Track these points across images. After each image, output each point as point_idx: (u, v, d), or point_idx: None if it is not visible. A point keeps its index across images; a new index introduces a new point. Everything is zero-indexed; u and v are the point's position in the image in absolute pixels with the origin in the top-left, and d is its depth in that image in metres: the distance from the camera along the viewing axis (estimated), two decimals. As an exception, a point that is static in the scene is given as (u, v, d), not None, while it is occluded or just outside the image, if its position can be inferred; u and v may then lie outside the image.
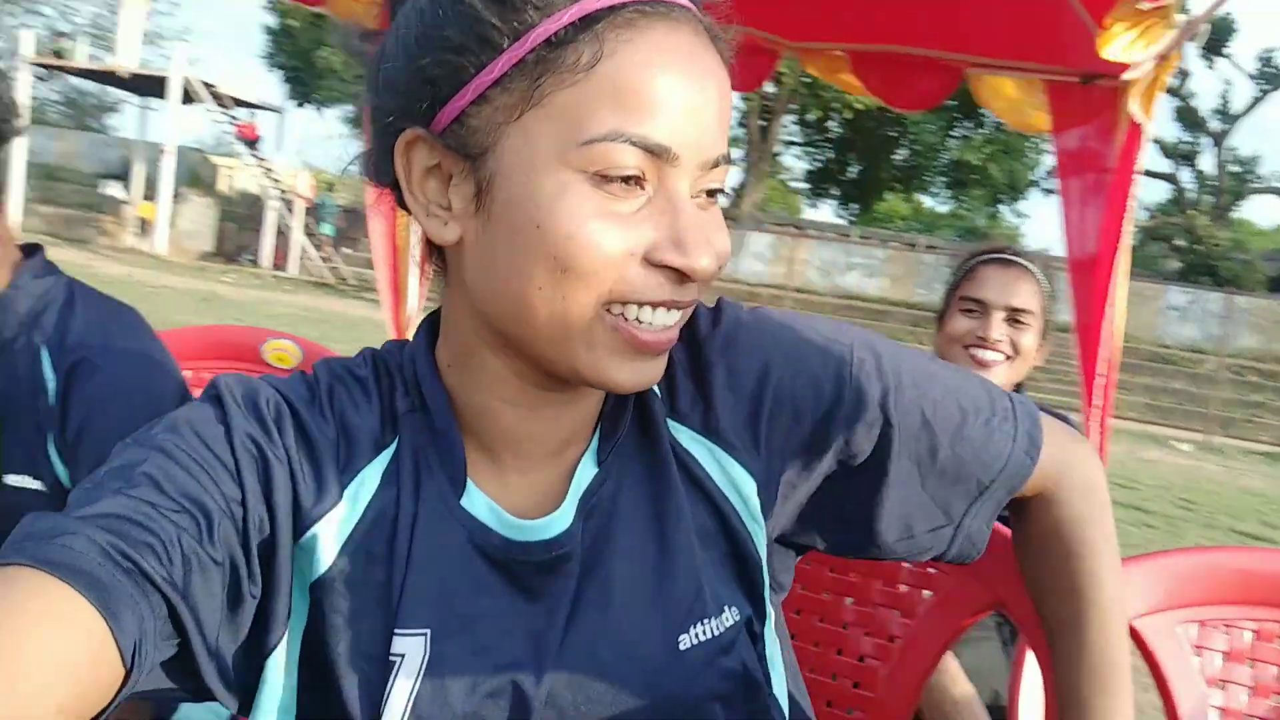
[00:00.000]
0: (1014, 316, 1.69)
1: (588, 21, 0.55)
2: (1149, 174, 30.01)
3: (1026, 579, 0.84)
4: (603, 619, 0.65)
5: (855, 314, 17.93)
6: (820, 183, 28.74)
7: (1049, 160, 24.24)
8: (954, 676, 1.40)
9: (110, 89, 25.68)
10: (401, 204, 0.64)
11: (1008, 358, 1.67)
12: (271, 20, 27.96)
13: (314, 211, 21.06)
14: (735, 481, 0.70)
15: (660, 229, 0.58)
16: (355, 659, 0.61)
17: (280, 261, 20.52)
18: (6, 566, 0.50)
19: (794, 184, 31.60)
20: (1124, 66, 2.48)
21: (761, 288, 18.50)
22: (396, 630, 0.61)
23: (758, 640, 0.70)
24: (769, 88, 22.97)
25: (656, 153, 0.56)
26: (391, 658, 0.61)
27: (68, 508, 0.55)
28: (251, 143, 21.36)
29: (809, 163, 28.72)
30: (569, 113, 0.55)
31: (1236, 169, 30.39)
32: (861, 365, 0.71)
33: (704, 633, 0.66)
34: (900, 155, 26.54)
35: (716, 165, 0.60)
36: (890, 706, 1.05)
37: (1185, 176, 30.59)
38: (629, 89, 0.55)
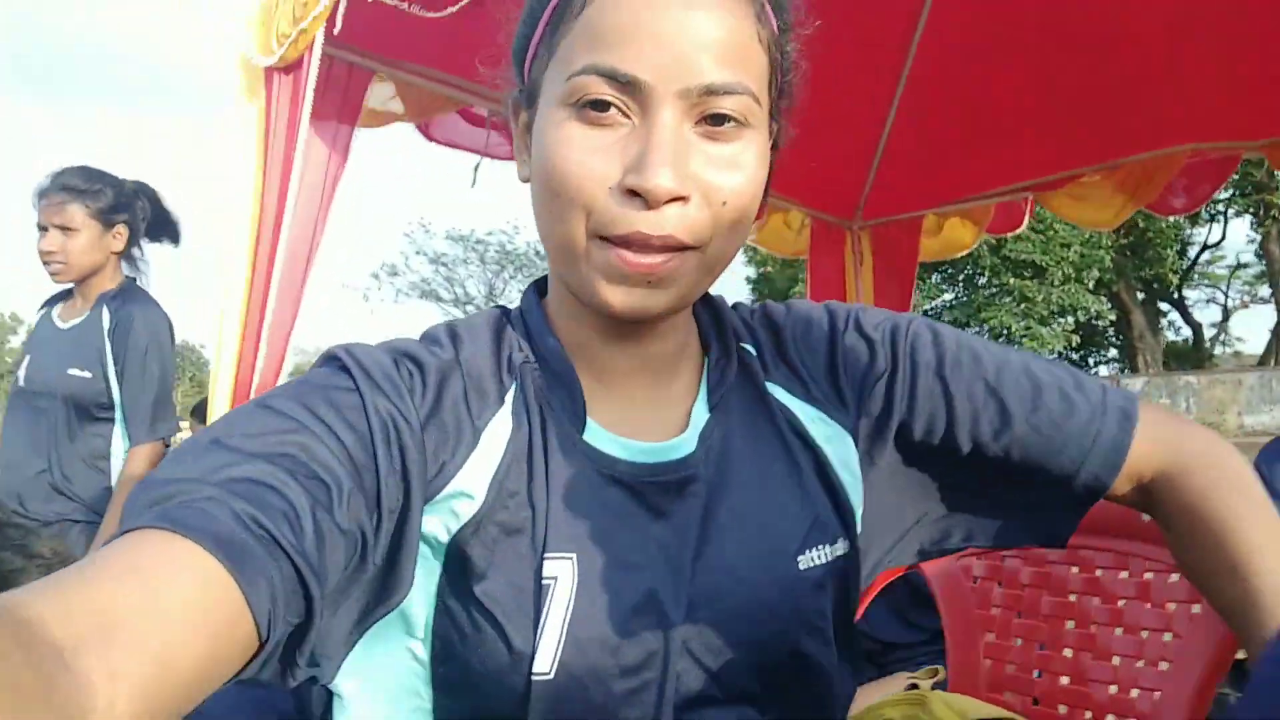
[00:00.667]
0: None
1: None
2: None
3: (1186, 573, 0.73)
4: (729, 537, 0.68)
5: None
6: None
7: None
8: None
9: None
10: None
11: None
12: (750, 271, 30.94)
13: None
14: (832, 436, 0.74)
15: (631, 155, 0.61)
16: (509, 590, 0.63)
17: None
18: (143, 530, 0.48)
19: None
20: None
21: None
22: (547, 554, 0.64)
23: (855, 578, 0.73)
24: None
25: (625, 81, 0.60)
26: (545, 581, 0.63)
27: (199, 469, 0.53)
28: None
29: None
30: (565, 56, 0.62)
31: None
32: (917, 336, 0.75)
33: (820, 556, 0.70)
34: None
35: (712, 93, 0.61)
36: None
37: None
38: (601, 26, 0.60)
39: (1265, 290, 23.83)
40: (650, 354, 0.71)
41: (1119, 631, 0.98)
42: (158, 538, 0.47)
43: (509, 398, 0.68)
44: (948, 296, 21.40)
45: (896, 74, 3.04)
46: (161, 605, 0.44)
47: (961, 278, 21.05)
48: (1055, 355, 20.67)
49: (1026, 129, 2.95)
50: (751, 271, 29.73)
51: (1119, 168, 2.96)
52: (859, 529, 0.73)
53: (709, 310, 0.77)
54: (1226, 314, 26.29)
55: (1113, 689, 0.97)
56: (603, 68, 0.60)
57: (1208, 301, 27.59)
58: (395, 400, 0.63)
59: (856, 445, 0.74)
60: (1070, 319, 19.96)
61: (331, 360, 0.65)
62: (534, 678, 0.62)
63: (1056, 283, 18.85)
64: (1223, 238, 24.55)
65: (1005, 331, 19.85)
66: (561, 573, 0.64)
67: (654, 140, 0.60)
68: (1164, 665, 0.93)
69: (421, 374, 0.66)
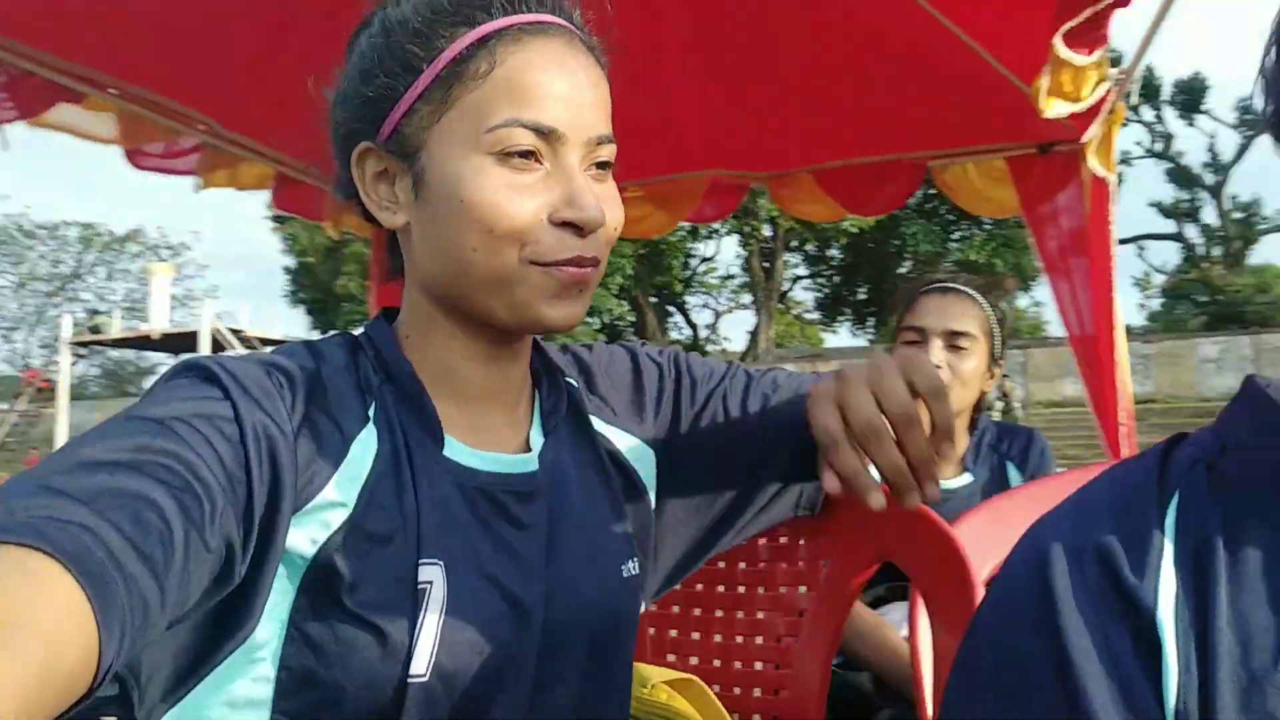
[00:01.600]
0: (952, 341, 1.72)
1: (483, 41, 0.71)
2: (1155, 237, 30.22)
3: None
4: (571, 547, 0.78)
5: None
6: (832, 309, 29.18)
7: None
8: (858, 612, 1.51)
9: (146, 353, 27.03)
10: (366, 215, 0.78)
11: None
12: (290, 261, 29.56)
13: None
14: (641, 455, 0.89)
15: (557, 193, 0.72)
16: (384, 596, 0.67)
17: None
18: (17, 548, 0.46)
19: (809, 315, 32.08)
20: (1079, 130, 2.57)
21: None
22: (421, 560, 0.69)
23: (643, 590, 0.87)
24: (766, 230, 23.75)
25: (545, 132, 0.71)
26: (420, 585, 0.68)
27: (74, 483, 0.52)
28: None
29: (818, 291, 29.28)
30: (475, 110, 0.71)
31: (1239, 215, 30.52)
32: (690, 358, 0.95)
33: (633, 568, 0.83)
34: (905, 268, 27.02)
35: (601, 143, 0.74)
36: (806, 675, 1.08)
37: (1192, 233, 30.73)
38: (518, 86, 0.71)
39: (747, 298, 28.13)
40: (508, 376, 0.80)
41: (761, 590, 1.15)
42: (31, 559, 0.46)
43: (371, 414, 0.73)
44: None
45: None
46: (30, 620, 0.44)
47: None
48: (584, 353, 22.47)
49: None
50: (291, 261, 28.20)
51: (650, 185, 3.27)
52: (651, 549, 0.89)
53: (535, 347, 0.86)
54: (717, 317, 30.60)
55: (759, 639, 1.13)
56: (526, 121, 0.70)
57: (703, 306, 31.83)
58: (269, 409, 0.65)
59: (657, 458, 0.90)
60: (597, 320, 21.88)
61: (197, 370, 0.66)
62: (410, 681, 0.66)
63: (585, 287, 20.53)
64: (717, 252, 28.66)
65: (539, 330, 21.11)
66: (434, 578, 0.69)
67: (578, 182, 0.72)
68: (800, 615, 1.11)
69: (291, 384, 0.69)
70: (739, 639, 1.15)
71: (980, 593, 0.95)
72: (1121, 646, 0.53)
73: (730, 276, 29.00)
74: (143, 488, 0.54)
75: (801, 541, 1.14)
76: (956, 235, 25.82)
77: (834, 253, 26.67)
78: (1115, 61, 2.27)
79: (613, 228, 0.75)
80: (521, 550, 0.75)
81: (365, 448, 0.71)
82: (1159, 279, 30.55)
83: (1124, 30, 2.03)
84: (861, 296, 27.82)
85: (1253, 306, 24.03)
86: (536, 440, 0.82)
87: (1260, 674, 0.50)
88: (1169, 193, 31.02)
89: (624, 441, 0.88)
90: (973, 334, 1.73)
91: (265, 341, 23.51)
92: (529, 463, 0.79)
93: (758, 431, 0.91)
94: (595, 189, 0.73)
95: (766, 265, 24.52)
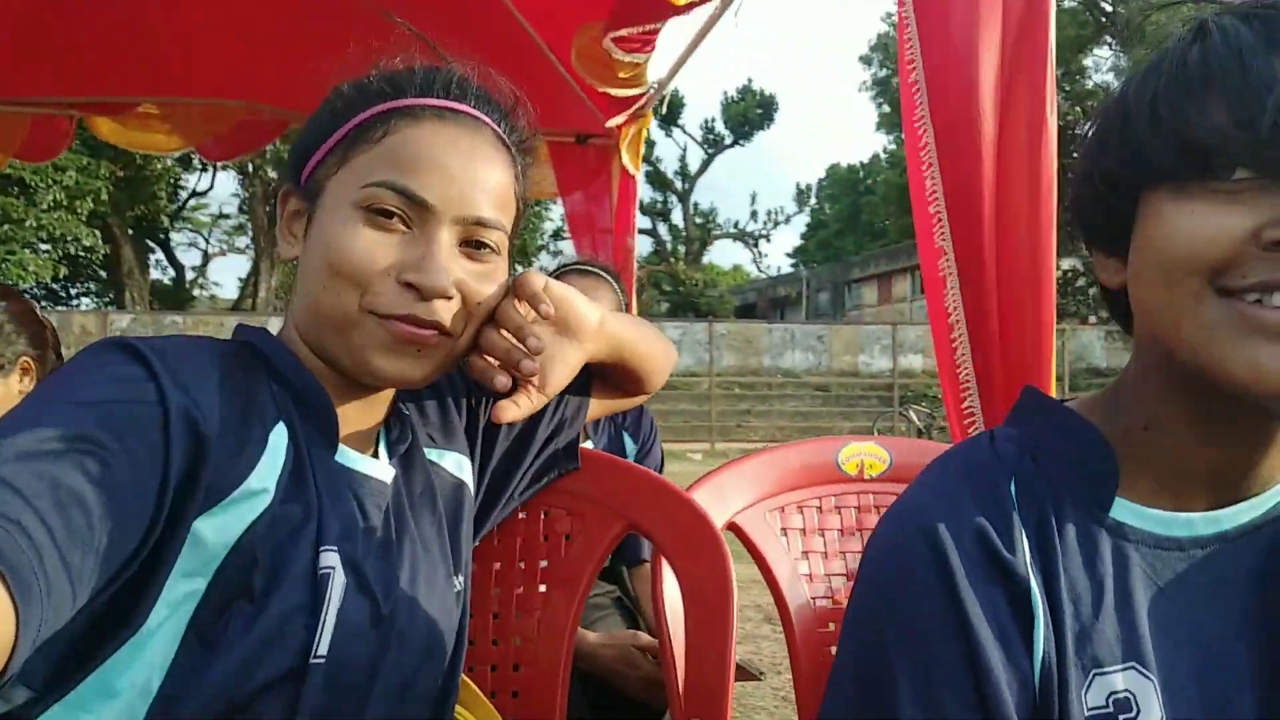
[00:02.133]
0: None
1: (386, 114, 0.80)
2: (639, 232, 34.16)
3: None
4: (413, 558, 0.86)
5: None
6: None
7: (551, 225, 26.39)
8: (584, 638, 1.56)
9: None
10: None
11: None
12: None
13: None
14: (462, 464, 0.99)
15: (410, 256, 0.78)
16: (296, 581, 0.72)
17: None
18: None
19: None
20: (613, 129, 2.86)
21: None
22: (323, 548, 0.74)
23: (468, 602, 0.97)
24: (272, 172, 22.19)
25: (416, 200, 0.77)
26: (323, 571, 0.73)
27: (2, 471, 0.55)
28: None
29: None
30: (361, 169, 0.79)
31: (700, 221, 35.74)
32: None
33: (458, 583, 0.92)
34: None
35: (479, 224, 0.80)
36: (548, 649, 1.11)
37: (663, 230, 35.26)
38: (402, 155, 0.78)
39: (242, 241, 26.08)
40: (366, 413, 0.87)
41: (498, 566, 1.15)
42: None
43: (280, 416, 0.77)
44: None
45: None
46: None
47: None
48: (39, 285, 19.06)
49: (84, 43, 2.72)
50: None
51: (176, 105, 3.01)
52: (472, 541, 1.00)
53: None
54: (206, 258, 27.96)
55: (519, 590, 1.14)
56: (398, 185, 0.77)
57: (189, 245, 28.88)
58: (194, 395, 0.68)
59: (471, 460, 1.01)
60: (59, 248, 18.61)
61: (126, 349, 0.68)
62: (311, 663, 0.71)
63: (46, 208, 17.32)
64: (211, 187, 26.09)
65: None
66: (335, 564, 0.74)
67: (432, 250, 0.78)
68: (541, 588, 1.13)
69: (219, 372, 0.73)
70: (473, 615, 1.13)
71: (727, 550, 1.07)
72: (1002, 610, 0.66)
73: (225, 216, 26.68)
74: (74, 483, 0.57)
75: (544, 514, 1.16)
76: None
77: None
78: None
79: (476, 302, 0.82)
80: (385, 555, 0.83)
81: (279, 439, 0.75)
82: (635, 269, 34.59)
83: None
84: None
85: (704, 298, 28.34)
86: (383, 458, 0.89)
87: (1087, 624, 0.67)
88: (648, 193, 35.26)
89: (445, 459, 0.98)
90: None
91: None
92: (386, 472, 0.87)
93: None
94: (463, 264, 0.81)
95: (271, 209, 22.95)
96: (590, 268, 1.97)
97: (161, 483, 0.63)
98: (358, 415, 0.86)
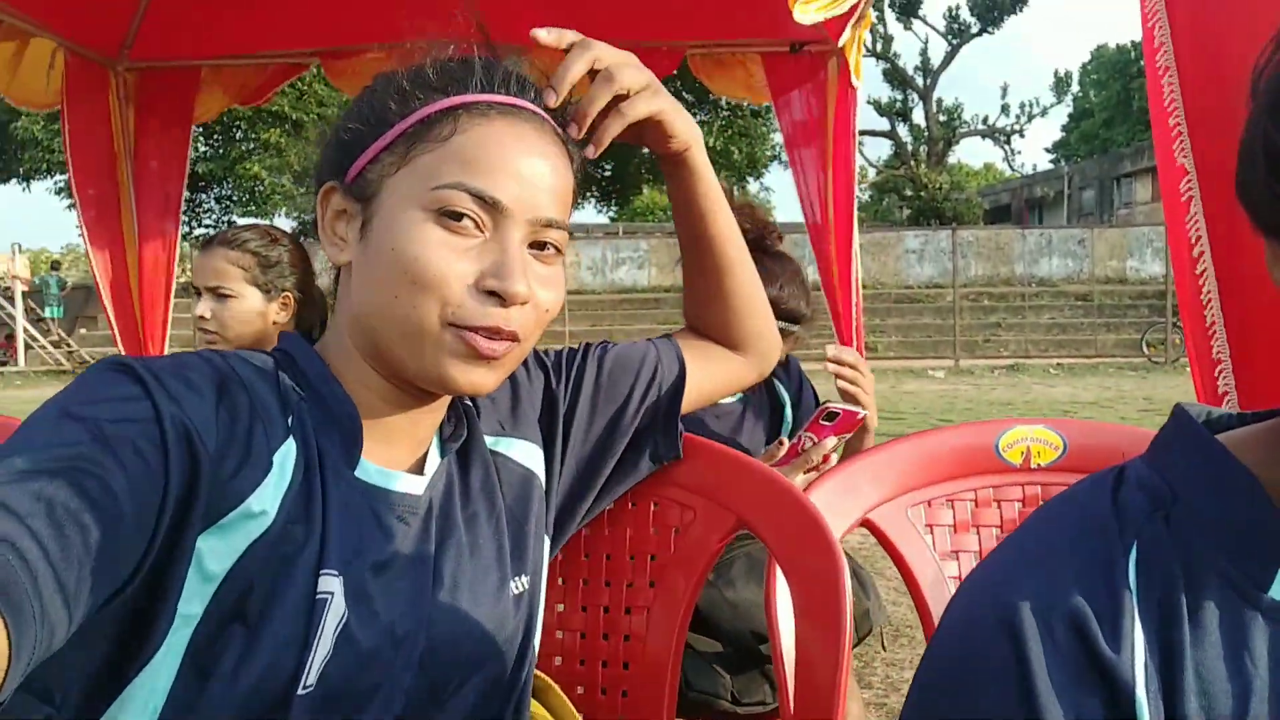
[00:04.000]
0: None
1: (452, 109, 0.76)
2: (871, 133, 32.56)
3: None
4: (456, 569, 0.82)
5: (631, 305, 18.31)
6: (580, 187, 29.17)
7: (779, 135, 25.73)
8: None
9: None
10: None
11: None
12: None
13: (36, 295, 19.00)
14: (530, 454, 0.93)
15: (488, 263, 0.74)
16: (290, 607, 0.70)
17: (12, 355, 18.30)
18: None
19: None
20: (834, 33, 2.68)
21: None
22: (322, 571, 0.71)
23: (538, 597, 0.91)
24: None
25: (489, 202, 0.74)
26: (320, 595, 0.71)
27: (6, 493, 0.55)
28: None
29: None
30: (428, 169, 0.75)
31: (944, 119, 33.49)
32: (583, 349, 1.02)
33: (520, 584, 0.87)
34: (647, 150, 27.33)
35: (548, 226, 0.77)
36: (656, 643, 1.05)
37: (903, 131, 33.38)
38: (472, 155, 0.74)
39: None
40: (417, 420, 0.83)
41: (607, 558, 1.09)
42: None
43: (290, 424, 0.74)
44: (203, 148, 20.00)
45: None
46: None
47: (219, 129, 19.86)
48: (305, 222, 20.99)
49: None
50: None
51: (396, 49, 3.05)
52: (545, 538, 0.94)
53: None
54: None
55: (629, 583, 1.08)
56: (472, 187, 0.73)
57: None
58: (193, 415, 0.66)
59: (549, 452, 0.95)
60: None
61: (124, 370, 0.67)
62: (300, 694, 0.69)
63: (312, 139, 18.92)
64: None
65: (259, 184, 19.60)
66: (334, 589, 0.72)
67: (510, 254, 0.75)
68: (651, 586, 1.07)
69: (218, 389, 0.70)
70: (583, 609, 1.09)
71: (842, 561, 0.95)
72: None
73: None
74: (70, 502, 0.56)
75: (654, 507, 1.09)
76: (696, 120, 26.39)
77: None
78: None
79: (544, 308, 0.78)
80: (410, 572, 0.78)
81: (286, 459, 0.72)
82: (871, 173, 33.08)
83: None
84: (606, 173, 27.98)
85: (949, 203, 26.67)
86: (432, 462, 0.84)
87: None
88: (885, 91, 33.41)
89: (513, 448, 0.93)
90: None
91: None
92: (419, 483, 0.82)
93: (612, 392, 0.99)
94: (533, 268, 0.77)
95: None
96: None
97: (160, 501, 0.62)
98: (409, 424, 0.83)
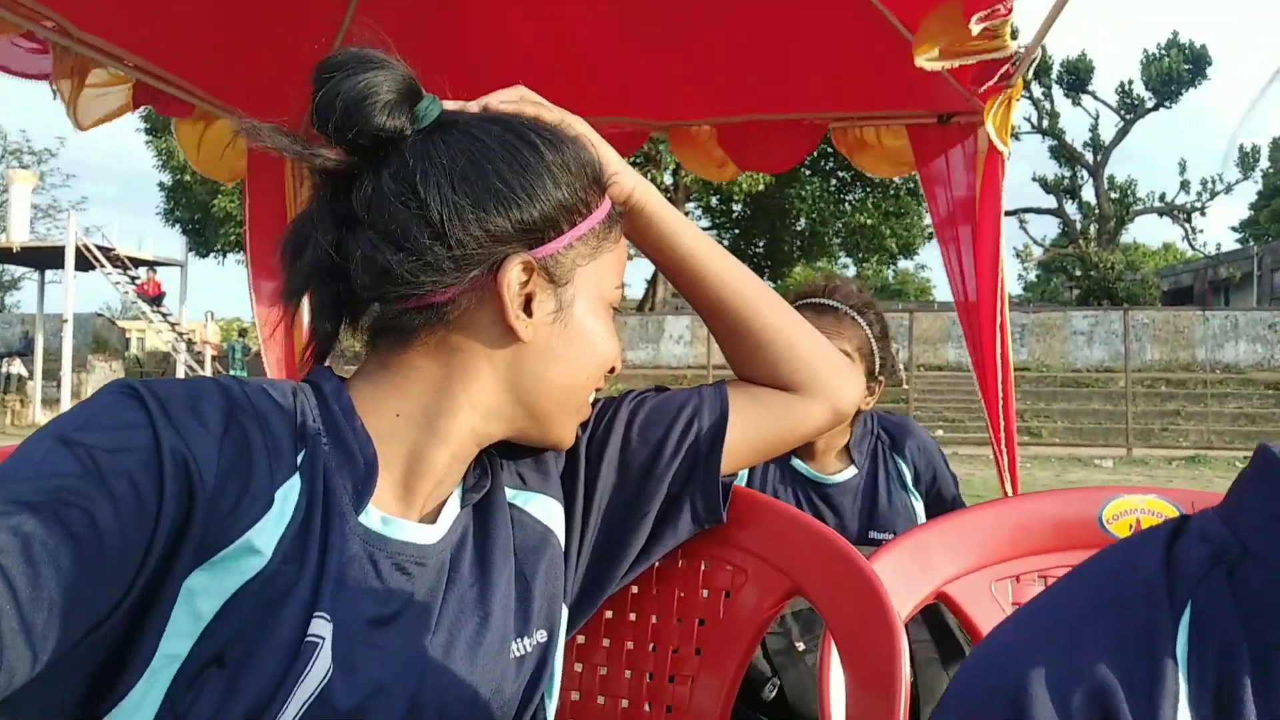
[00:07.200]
0: None
1: (616, 211, 0.85)
2: (1036, 210, 31.40)
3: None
4: (457, 623, 0.78)
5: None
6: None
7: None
8: None
9: (6, 266, 25.18)
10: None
11: None
12: (165, 177, 27.65)
13: (223, 359, 20.62)
14: (550, 511, 0.89)
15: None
16: (275, 651, 0.67)
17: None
18: None
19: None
20: (979, 103, 2.56)
21: (685, 369, 18.61)
22: (315, 613, 0.69)
23: (548, 662, 0.86)
24: (668, 178, 23.56)
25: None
26: (310, 639, 0.68)
27: None
28: (155, 299, 21.02)
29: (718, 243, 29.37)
30: (612, 266, 0.83)
31: (1116, 196, 31.94)
32: (616, 403, 0.97)
33: (525, 646, 0.83)
34: (800, 225, 27.29)
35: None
36: (703, 712, 0.95)
37: (1071, 209, 32.02)
38: (621, 259, 0.85)
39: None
40: (457, 470, 0.82)
41: (655, 620, 1.01)
42: None
43: (298, 460, 0.71)
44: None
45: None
46: None
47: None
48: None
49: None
50: (167, 177, 26.65)
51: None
52: (564, 611, 0.89)
53: None
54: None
55: (649, 677, 1.00)
56: (620, 285, 0.85)
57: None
58: (194, 446, 0.64)
59: (569, 509, 0.91)
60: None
61: (129, 393, 0.65)
62: None
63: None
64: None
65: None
66: (324, 634, 0.69)
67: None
68: (697, 654, 0.98)
69: (225, 419, 0.68)
70: (627, 674, 1.01)
71: (902, 640, 0.84)
72: None
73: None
74: (49, 538, 0.56)
75: (703, 567, 1.01)
76: (850, 198, 26.21)
77: (735, 207, 26.68)
78: (1014, 34, 2.26)
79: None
80: (405, 625, 0.75)
81: (288, 496, 0.70)
82: (1037, 251, 31.78)
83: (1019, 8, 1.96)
84: (758, 250, 28.05)
85: (1122, 283, 25.23)
86: (450, 512, 0.82)
87: None
88: (1052, 168, 32.20)
89: (531, 503, 0.89)
90: (848, 353, 1.65)
91: (136, 261, 22.21)
92: (436, 532, 0.79)
93: (643, 443, 0.93)
94: None
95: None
96: (827, 303, 1.71)
97: (150, 534, 0.61)
98: (442, 472, 0.80)
